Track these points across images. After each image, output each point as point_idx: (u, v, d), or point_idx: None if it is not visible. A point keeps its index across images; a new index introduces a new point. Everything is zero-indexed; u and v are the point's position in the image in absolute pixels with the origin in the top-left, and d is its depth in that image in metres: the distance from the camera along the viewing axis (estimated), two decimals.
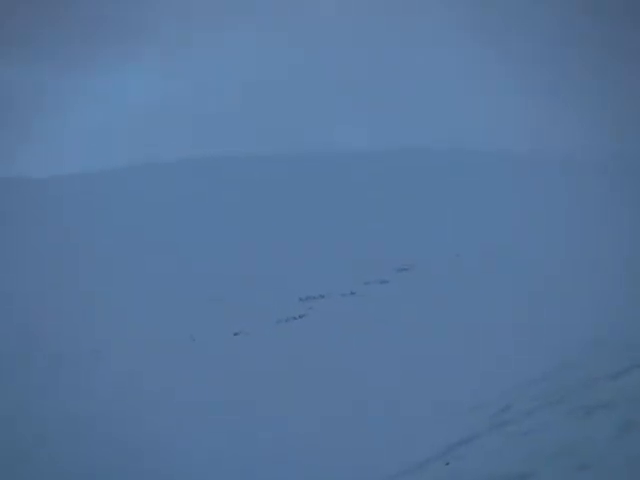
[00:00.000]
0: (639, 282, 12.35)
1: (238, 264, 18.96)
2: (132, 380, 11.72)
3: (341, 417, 9.27)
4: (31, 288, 17.76)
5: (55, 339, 14.12)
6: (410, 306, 13.93)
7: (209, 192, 28.06)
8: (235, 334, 13.57)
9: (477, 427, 6.97)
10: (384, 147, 35.56)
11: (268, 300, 15.46)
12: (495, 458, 5.75)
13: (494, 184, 26.55)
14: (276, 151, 35.05)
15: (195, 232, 22.47)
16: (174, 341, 13.47)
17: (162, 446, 9.28)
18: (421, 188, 26.91)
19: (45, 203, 27.77)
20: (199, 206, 26.12)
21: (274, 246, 20.38)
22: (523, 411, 6.80)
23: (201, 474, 8.59)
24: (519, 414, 6.77)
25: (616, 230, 17.22)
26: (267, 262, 18.83)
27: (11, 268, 19.44)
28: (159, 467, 8.83)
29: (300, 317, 14.19)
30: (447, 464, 6.16)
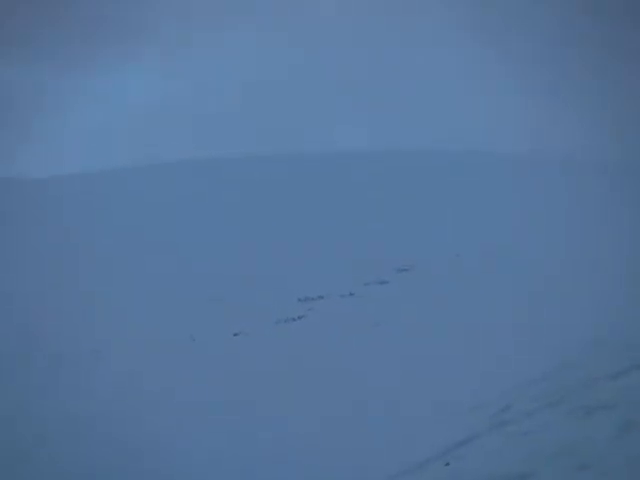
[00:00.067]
0: (639, 282, 12.34)
1: (238, 264, 18.96)
2: (132, 380, 11.71)
3: (341, 417, 9.27)
4: (31, 288, 17.76)
5: (55, 339, 14.11)
6: (410, 306, 13.93)
7: (209, 192, 28.06)
8: (235, 334, 13.57)
9: (477, 427, 6.98)
10: (384, 147, 35.58)
11: (267, 300, 15.46)
12: (495, 458, 5.75)
13: (494, 184, 26.56)
14: (276, 151, 35.06)
15: (195, 232, 22.47)
16: (174, 341, 13.47)
17: (162, 446, 9.28)
18: (421, 188, 26.91)
19: (45, 203, 27.77)
20: (199, 206, 26.13)
21: (274, 246, 20.38)
22: (523, 411, 6.80)
23: (201, 474, 8.59)
24: (519, 414, 6.77)
25: (616, 230, 17.21)
26: (267, 262, 18.83)
27: (11, 268, 19.43)
28: (159, 467, 8.83)
29: (299, 318, 14.19)
30: (447, 464, 6.17)
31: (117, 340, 13.76)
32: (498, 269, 15.84)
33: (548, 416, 6.18)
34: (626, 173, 25.65)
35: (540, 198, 23.53)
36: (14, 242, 22.07)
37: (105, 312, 15.54)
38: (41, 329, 14.75)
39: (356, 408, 9.45)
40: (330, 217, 23.46)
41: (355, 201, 25.46)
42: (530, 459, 5.22)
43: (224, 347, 12.97)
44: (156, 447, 9.25)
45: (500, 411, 7.27)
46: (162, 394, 11.01)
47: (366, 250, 19.22)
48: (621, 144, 31.72)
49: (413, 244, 19.48)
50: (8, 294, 17.28)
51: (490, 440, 6.34)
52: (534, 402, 6.91)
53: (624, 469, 4.60)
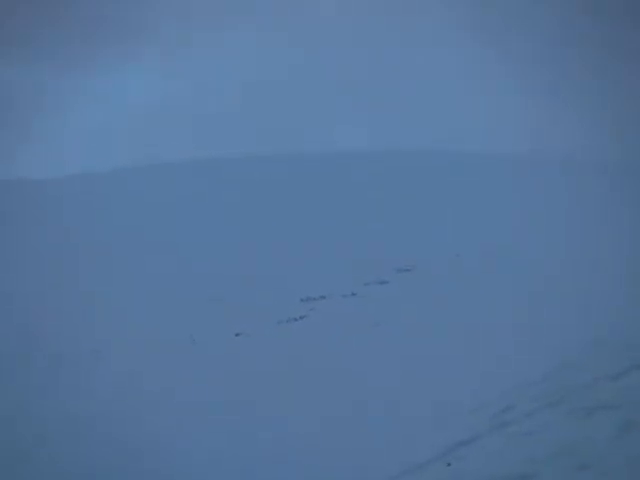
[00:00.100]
0: (639, 282, 12.34)
1: (238, 264, 18.95)
2: (132, 380, 11.71)
3: (341, 417, 9.27)
4: (31, 288, 17.75)
5: (55, 339, 14.11)
6: (410, 306, 13.93)
7: (209, 192, 28.05)
8: (236, 335, 13.57)
9: (478, 428, 6.98)
10: (384, 147, 35.53)
11: (268, 301, 15.45)
12: (496, 459, 5.75)
13: (494, 184, 26.55)
14: (276, 151, 35.03)
15: (195, 232, 22.46)
16: (174, 341, 13.46)
17: (162, 446, 9.28)
18: (421, 188, 26.90)
19: (45, 203, 27.77)
20: (199, 206, 26.12)
21: (274, 246, 20.37)
22: (523, 411, 6.80)
23: (201, 474, 8.59)
24: (520, 414, 6.77)
25: (616, 230, 17.20)
26: (267, 262, 18.82)
27: (11, 268, 19.43)
28: (159, 467, 8.83)
29: (301, 318, 14.18)
30: (448, 465, 6.17)
31: (117, 340, 13.76)
32: (498, 269, 15.84)
33: (548, 416, 6.18)
34: (626, 173, 25.63)
35: (540, 198, 23.51)
36: (14, 242, 22.06)
37: (105, 312, 15.53)
38: (41, 329, 14.75)
39: (357, 408, 9.45)
40: (330, 217, 23.45)
41: (355, 201, 25.45)
42: (531, 459, 5.22)
43: (225, 347, 12.96)
44: (156, 447, 9.25)
45: (501, 411, 7.27)
46: (162, 394, 11.01)
47: (367, 250, 19.21)
48: (621, 144, 31.70)
49: (413, 244, 19.47)
50: (8, 294, 17.27)
51: (491, 441, 6.34)
52: (534, 402, 6.91)
53: (624, 469, 4.60)
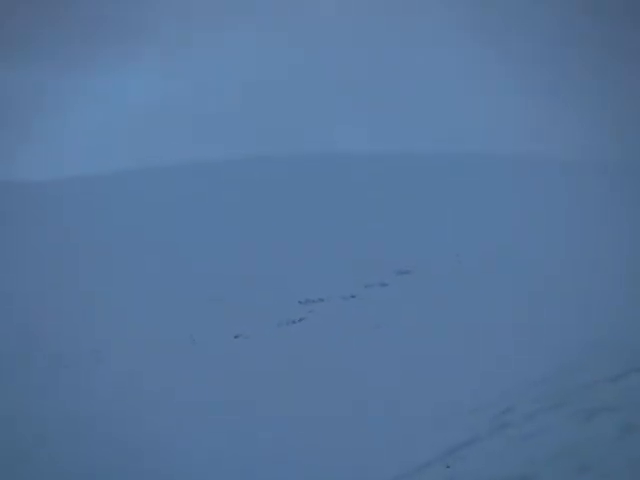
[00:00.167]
0: (639, 282, 12.34)
1: (238, 265, 18.94)
2: (132, 380, 11.71)
3: (341, 418, 9.26)
4: (31, 288, 17.75)
5: (55, 339, 14.11)
6: (410, 308, 13.92)
7: (209, 192, 28.04)
8: (236, 337, 13.56)
9: (478, 429, 6.97)
10: (384, 147, 35.51)
11: (268, 302, 15.44)
12: (496, 460, 5.75)
13: (494, 184, 26.53)
14: (276, 151, 35.00)
15: (195, 232, 22.45)
16: (174, 341, 13.46)
17: (162, 446, 9.28)
18: (421, 188, 26.88)
19: (45, 203, 27.77)
20: (199, 206, 26.11)
21: (274, 247, 20.36)
22: (524, 413, 6.80)
23: (201, 474, 8.59)
24: (520, 416, 6.76)
25: (616, 230, 17.19)
26: (267, 263, 18.82)
27: (11, 268, 19.43)
28: (159, 467, 8.83)
29: (300, 320, 14.18)
30: (448, 467, 6.16)
31: (117, 340, 13.76)
32: (498, 269, 15.83)
33: (549, 418, 6.17)
34: (626, 173, 25.61)
35: (540, 198, 23.50)
36: (14, 242, 22.06)
37: (105, 312, 15.53)
38: (41, 329, 14.75)
39: (357, 409, 9.44)
40: (330, 218, 23.43)
41: (355, 202, 25.44)
42: (531, 461, 5.21)
43: (225, 347, 12.97)
44: (156, 447, 9.24)
45: (501, 413, 7.27)
46: (162, 394, 11.01)
47: (366, 252, 19.19)
48: (621, 144, 31.65)
49: (413, 245, 19.46)
50: (8, 294, 17.27)
51: (491, 442, 6.34)
52: (535, 404, 6.90)
53: (625, 471, 4.60)
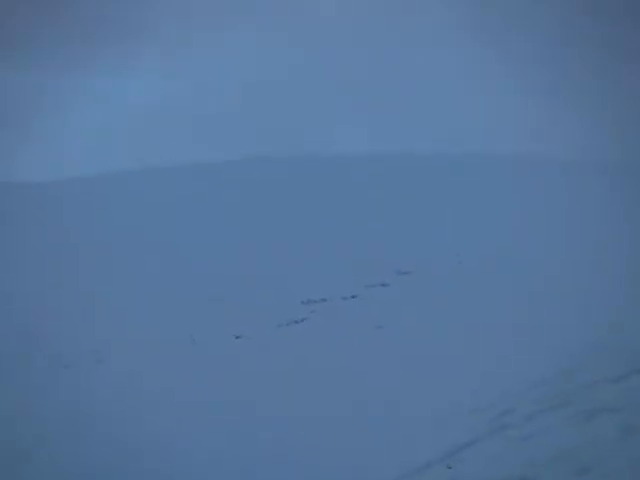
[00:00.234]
0: (639, 282, 12.34)
1: (238, 265, 18.94)
2: (132, 380, 11.71)
3: (342, 418, 9.26)
4: (31, 288, 17.75)
5: (55, 339, 14.11)
6: (411, 308, 13.92)
7: (209, 192, 28.05)
8: (236, 337, 13.56)
9: (478, 430, 6.97)
10: (384, 147, 35.50)
11: (268, 302, 15.44)
12: (496, 462, 5.75)
13: (494, 184, 26.53)
14: (276, 151, 35.00)
15: (195, 233, 22.45)
16: (174, 341, 13.47)
17: (162, 446, 9.28)
18: (421, 188, 26.88)
19: (45, 203, 27.77)
20: (199, 206, 26.11)
21: (274, 247, 20.36)
22: (524, 414, 6.79)
23: (201, 474, 8.58)
24: (520, 418, 6.76)
25: (616, 230, 17.20)
26: (267, 263, 18.81)
27: (11, 268, 19.43)
28: (159, 467, 8.83)
29: (301, 321, 14.18)
30: (449, 468, 6.16)
31: (117, 340, 13.76)
32: (498, 270, 15.83)
33: (549, 419, 6.17)
34: (626, 173, 25.62)
35: (540, 198, 23.50)
36: (14, 242, 22.07)
37: (105, 312, 15.53)
38: (41, 329, 14.75)
39: (357, 409, 9.45)
40: (330, 218, 23.43)
41: (355, 202, 25.43)
42: (531, 463, 5.21)
43: (225, 348, 12.97)
44: (156, 447, 9.24)
45: (501, 414, 7.27)
46: (162, 394, 11.01)
47: (367, 252, 19.19)
48: (621, 144, 31.66)
49: (414, 245, 19.46)
50: (8, 294, 17.28)
51: (491, 443, 6.34)
52: (535, 405, 6.90)
53: (625, 473, 4.59)
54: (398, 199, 25.43)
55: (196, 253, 20.27)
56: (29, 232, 23.22)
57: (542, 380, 8.06)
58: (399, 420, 8.71)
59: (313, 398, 10.03)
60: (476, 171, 29.02)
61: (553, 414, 6.32)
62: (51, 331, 14.58)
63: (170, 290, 16.98)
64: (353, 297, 15.37)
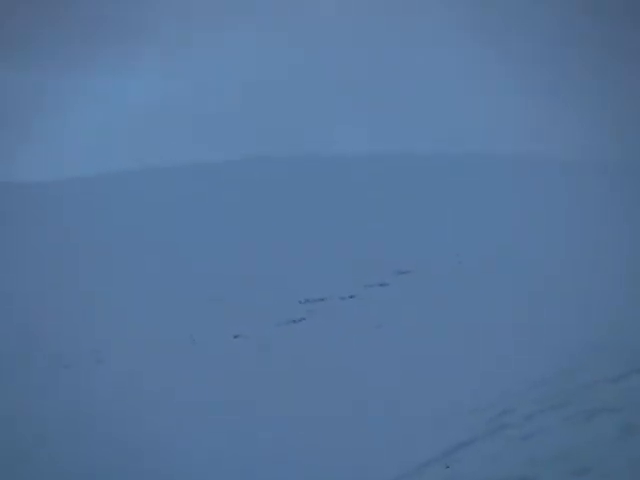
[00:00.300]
0: (639, 282, 12.33)
1: (238, 265, 18.93)
2: (132, 380, 11.72)
3: (342, 418, 9.27)
4: (31, 288, 17.75)
5: (55, 339, 14.11)
6: (410, 308, 13.92)
7: (209, 192, 28.04)
8: (235, 337, 13.56)
9: (477, 430, 6.98)
10: (384, 147, 35.47)
11: (268, 302, 15.44)
12: (496, 461, 5.75)
13: (494, 184, 26.52)
14: (276, 151, 34.97)
15: (195, 232, 22.45)
16: (174, 341, 13.47)
17: (162, 446, 9.28)
18: (421, 188, 26.87)
19: (45, 203, 27.76)
20: (199, 206, 26.10)
21: (274, 247, 20.36)
22: (524, 414, 6.80)
23: (201, 474, 8.59)
24: (520, 417, 6.76)
25: (616, 230, 17.19)
26: (267, 263, 18.81)
27: (11, 268, 19.43)
28: (159, 467, 8.83)
29: (300, 320, 14.18)
30: (447, 467, 6.17)
31: (117, 340, 13.76)
32: (498, 270, 15.83)
33: (549, 419, 6.17)
34: (626, 173, 25.61)
35: (540, 198, 23.49)
36: (14, 242, 22.06)
37: (105, 312, 15.53)
38: (41, 329, 14.75)
39: (357, 409, 9.45)
40: (330, 218, 23.43)
41: (355, 202, 25.43)
42: (530, 462, 5.21)
43: (224, 348, 12.97)
44: (156, 447, 9.25)
45: (500, 414, 7.27)
46: (162, 394, 11.01)
47: (366, 252, 19.18)
48: (621, 144, 31.65)
49: (413, 245, 19.45)
50: (8, 294, 17.27)
51: (491, 443, 6.34)
52: (534, 405, 6.90)
53: (625, 473, 4.59)
54: (398, 199, 25.43)
55: (196, 253, 20.27)
56: (29, 232, 23.22)
57: (542, 380, 8.06)
58: (399, 420, 8.71)
59: (313, 398, 10.04)
60: (476, 171, 29.01)
61: (553, 414, 6.32)
62: (51, 331, 14.58)
63: (170, 290, 16.97)
64: (352, 297, 15.38)
